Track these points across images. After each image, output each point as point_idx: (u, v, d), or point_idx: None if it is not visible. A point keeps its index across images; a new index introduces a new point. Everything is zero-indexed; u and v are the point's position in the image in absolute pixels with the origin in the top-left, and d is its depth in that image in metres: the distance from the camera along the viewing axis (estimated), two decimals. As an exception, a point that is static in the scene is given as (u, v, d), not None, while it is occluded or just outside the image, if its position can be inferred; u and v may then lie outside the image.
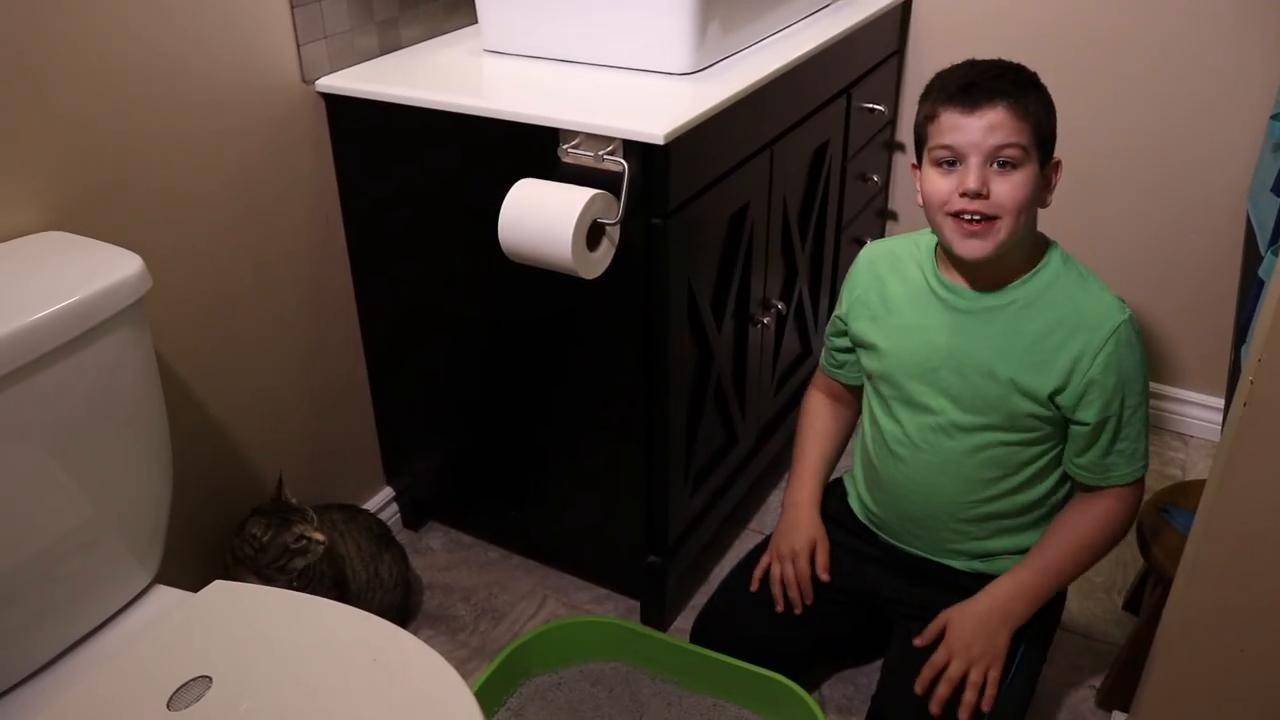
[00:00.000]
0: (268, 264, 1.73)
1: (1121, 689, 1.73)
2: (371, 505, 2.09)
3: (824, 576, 1.64)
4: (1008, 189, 1.36)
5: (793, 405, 2.26)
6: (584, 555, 1.99)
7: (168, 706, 1.17)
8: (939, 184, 1.39)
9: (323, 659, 1.24)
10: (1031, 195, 1.38)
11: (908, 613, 1.64)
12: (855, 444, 1.77)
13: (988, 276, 1.46)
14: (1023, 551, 1.59)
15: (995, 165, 1.36)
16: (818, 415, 1.78)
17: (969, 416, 1.50)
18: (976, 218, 1.37)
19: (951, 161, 1.38)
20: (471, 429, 1.94)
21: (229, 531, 1.68)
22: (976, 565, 1.62)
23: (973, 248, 1.39)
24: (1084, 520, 1.51)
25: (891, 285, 1.57)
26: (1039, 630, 1.59)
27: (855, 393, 1.75)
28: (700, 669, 1.72)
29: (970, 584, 1.60)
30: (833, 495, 1.79)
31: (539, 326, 1.74)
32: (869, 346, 1.59)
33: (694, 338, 1.75)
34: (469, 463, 2.00)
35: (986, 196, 1.36)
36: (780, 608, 1.66)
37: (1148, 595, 1.75)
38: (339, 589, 1.72)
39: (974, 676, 1.47)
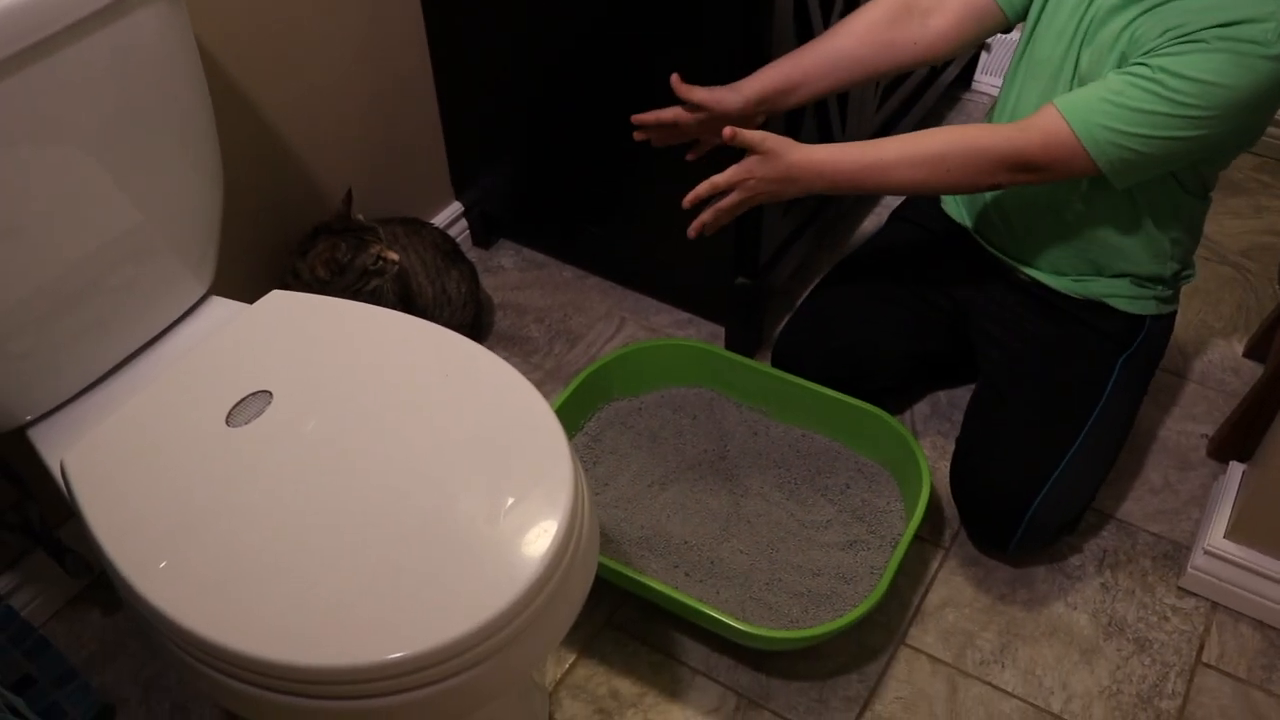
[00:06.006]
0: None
1: (1237, 439, 1.63)
2: (439, 221, 1.97)
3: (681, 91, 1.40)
4: None
5: (894, 122, 2.08)
6: (666, 276, 1.87)
7: (227, 422, 1.09)
8: None
9: (391, 374, 1.14)
10: None
11: (994, 335, 1.58)
12: None
13: None
14: (1118, 276, 1.48)
15: None
16: (864, 14, 1.45)
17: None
18: None
19: None
20: (547, 136, 1.80)
21: (285, 247, 1.57)
22: (1069, 284, 1.51)
23: None
24: (965, 130, 1.33)
25: None
26: (1139, 362, 1.52)
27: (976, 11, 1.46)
28: (789, 397, 1.63)
29: (1062, 304, 1.53)
30: (924, 198, 1.67)
31: (625, 14, 1.55)
32: None
33: (798, 38, 1.55)
34: (544, 174, 1.87)
35: None
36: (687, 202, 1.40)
37: (1278, 341, 1.62)
38: (405, 305, 1.62)
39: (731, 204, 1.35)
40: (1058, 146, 1.27)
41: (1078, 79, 1.34)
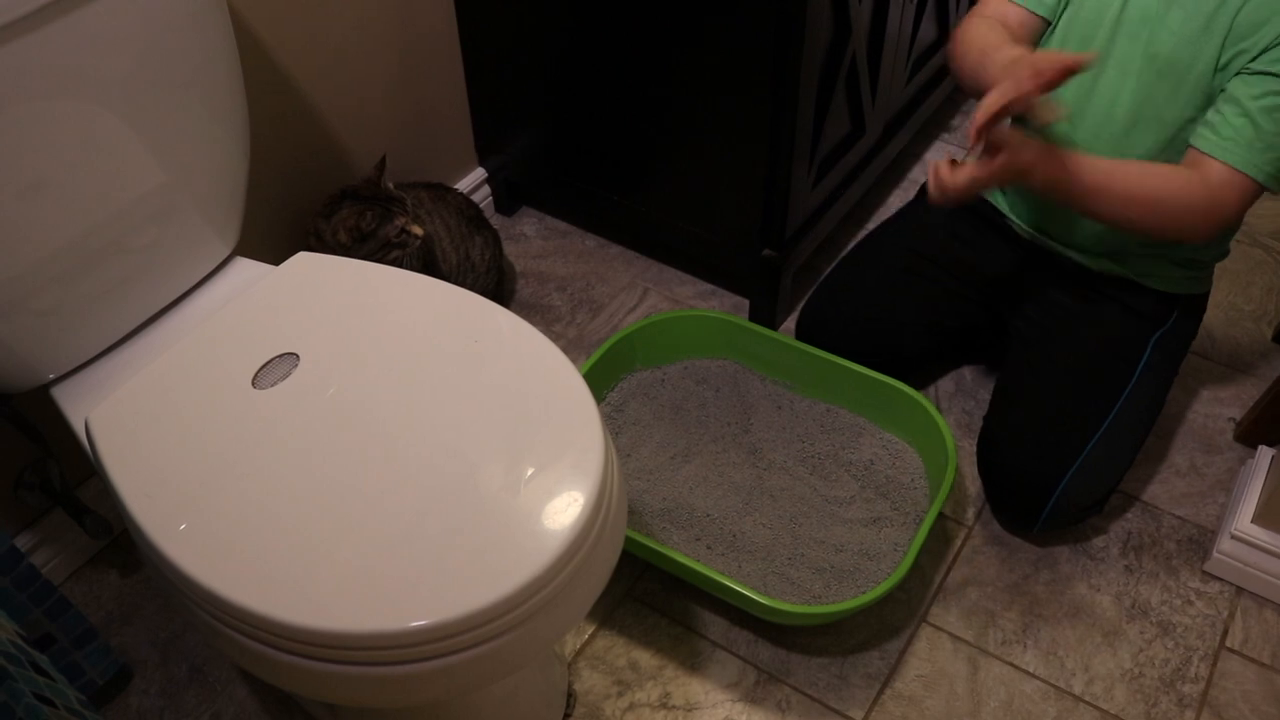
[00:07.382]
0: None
1: (1266, 423, 1.62)
2: (463, 187, 1.95)
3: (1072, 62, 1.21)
4: None
5: (922, 97, 2.05)
6: (690, 247, 1.85)
7: (253, 384, 1.08)
8: None
9: (420, 339, 1.13)
10: None
11: (1024, 312, 1.56)
12: None
13: None
14: (1156, 255, 1.46)
15: None
16: (990, 28, 1.39)
17: (1159, 80, 1.31)
18: None
19: None
20: (571, 104, 1.77)
21: (311, 210, 1.55)
22: (1108, 264, 1.48)
23: None
24: (1169, 171, 1.28)
25: None
26: (1172, 343, 1.50)
27: (1027, 31, 1.44)
28: (814, 371, 1.61)
29: (1095, 282, 1.50)
30: None
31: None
32: None
33: (832, 4, 1.52)
34: (568, 142, 1.84)
35: None
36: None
37: (1311, 322, 1.60)
38: (428, 271, 1.60)
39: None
40: (1247, 196, 1.26)
41: (1148, 62, 1.31)
